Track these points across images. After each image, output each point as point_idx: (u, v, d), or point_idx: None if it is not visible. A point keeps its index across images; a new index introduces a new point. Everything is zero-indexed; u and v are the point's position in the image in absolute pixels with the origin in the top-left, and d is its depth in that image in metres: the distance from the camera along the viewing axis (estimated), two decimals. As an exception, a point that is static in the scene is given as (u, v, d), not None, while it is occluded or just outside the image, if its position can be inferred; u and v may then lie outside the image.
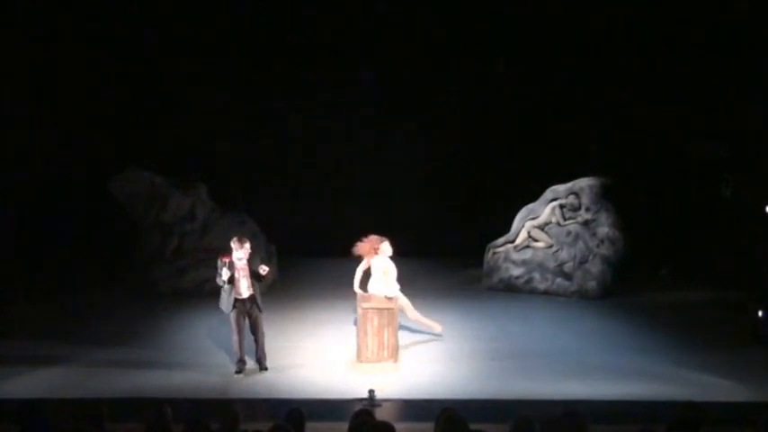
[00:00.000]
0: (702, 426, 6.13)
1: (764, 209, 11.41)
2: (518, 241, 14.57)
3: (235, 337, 10.10)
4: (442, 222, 16.50)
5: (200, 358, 10.63)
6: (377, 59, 16.32)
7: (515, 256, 14.53)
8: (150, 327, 12.17)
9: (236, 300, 10.00)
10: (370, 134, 16.73)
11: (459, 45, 16.37)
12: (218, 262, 9.98)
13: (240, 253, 9.95)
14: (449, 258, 16.33)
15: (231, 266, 9.95)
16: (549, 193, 14.51)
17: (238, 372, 10.09)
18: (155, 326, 12.24)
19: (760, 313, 11.31)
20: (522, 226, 14.56)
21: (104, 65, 15.74)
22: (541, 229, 14.49)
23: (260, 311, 10.15)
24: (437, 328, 11.47)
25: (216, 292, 11.10)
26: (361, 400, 8.90)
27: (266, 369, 10.21)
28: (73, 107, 15.47)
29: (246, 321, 10.13)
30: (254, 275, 10.04)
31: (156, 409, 6.32)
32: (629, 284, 14.35)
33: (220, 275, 9.92)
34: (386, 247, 10.90)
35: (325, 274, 15.07)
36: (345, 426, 6.28)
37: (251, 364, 10.26)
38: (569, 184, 14.38)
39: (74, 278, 14.70)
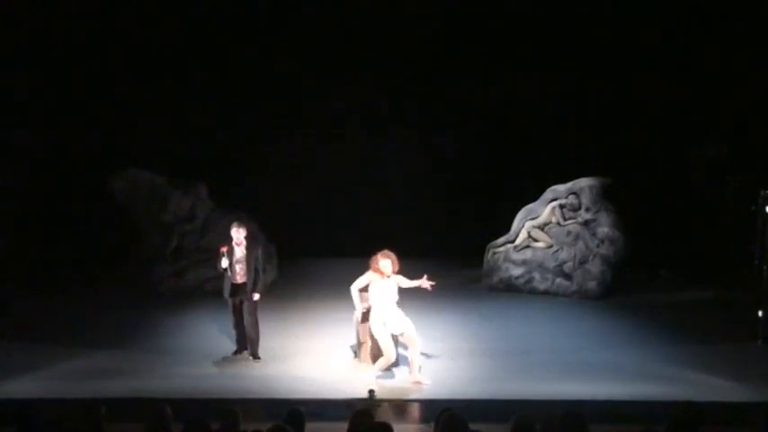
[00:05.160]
0: (702, 426, 6.13)
1: (765, 209, 11.39)
2: (518, 241, 14.57)
3: (233, 322, 10.61)
4: (443, 222, 16.49)
5: (200, 358, 10.62)
6: (377, 59, 16.32)
7: (515, 256, 14.52)
8: (150, 327, 12.15)
9: (233, 285, 10.39)
10: (371, 134, 16.71)
11: (460, 45, 16.37)
12: (219, 253, 10.39)
13: (235, 236, 10.34)
14: (449, 258, 16.32)
15: (230, 254, 10.34)
16: (549, 193, 14.51)
17: (235, 353, 10.60)
18: (155, 326, 12.22)
19: (760, 313, 11.32)
20: (522, 226, 14.56)
21: (104, 64, 15.76)
22: (541, 229, 14.49)
23: (248, 300, 10.42)
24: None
25: (216, 292, 11.16)
26: (362, 400, 8.90)
27: (258, 358, 10.48)
28: (73, 107, 15.51)
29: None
30: (255, 269, 10.41)
31: (156, 409, 6.31)
32: (629, 284, 14.35)
33: (220, 263, 10.34)
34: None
35: (325, 274, 15.06)
36: (345, 426, 6.27)
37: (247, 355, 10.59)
38: (569, 184, 14.38)
39: (73, 278, 14.72)
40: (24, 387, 9.44)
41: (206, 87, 16.15)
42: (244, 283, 10.42)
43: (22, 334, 11.53)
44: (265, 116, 16.47)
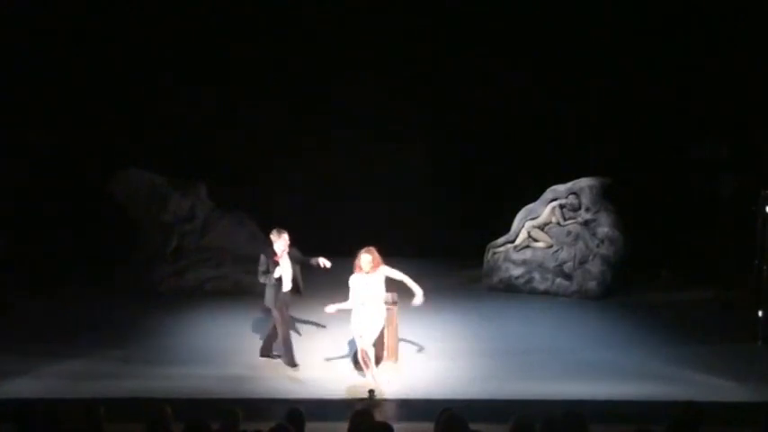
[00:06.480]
0: (702, 426, 6.13)
1: (765, 208, 11.39)
2: (518, 241, 14.56)
3: (287, 331, 10.24)
4: (442, 222, 16.48)
5: (200, 358, 10.63)
6: (377, 58, 16.31)
7: (515, 256, 14.52)
8: (150, 327, 12.14)
9: (283, 293, 10.16)
10: (370, 134, 16.70)
11: (460, 45, 16.36)
12: (262, 259, 10.11)
13: (281, 244, 10.10)
14: (449, 258, 16.31)
15: (276, 263, 10.09)
16: (549, 193, 14.50)
17: (269, 356, 10.38)
18: (154, 326, 12.22)
19: (760, 313, 11.32)
20: (522, 226, 14.55)
21: (103, 64, 15.76)
22: (541, 229, 14.49)
23: (300, 294, 10.40)
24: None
25: (216, 292, 11.21)
26: (362, 400, 8.90)
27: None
28: (73, 107, 15.51)
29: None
30: (298, 262, 10.30)
31: (156, 409, 6.31)
32: (629, 284, 14.35)
33: (269, 274, 10.03)
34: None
35: (325, 274, 15.00)
36: (345, 426, 6.27)
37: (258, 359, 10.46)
38: (569, 184, 14.38)
39: (73, 278, 14.71)
40: (24, 387, 9.44)
41: (206, 87, 16.13)
42: (291, 289, 10.28)
43: (22, 334, 11.53)
44: (265, 116, 16.45)
